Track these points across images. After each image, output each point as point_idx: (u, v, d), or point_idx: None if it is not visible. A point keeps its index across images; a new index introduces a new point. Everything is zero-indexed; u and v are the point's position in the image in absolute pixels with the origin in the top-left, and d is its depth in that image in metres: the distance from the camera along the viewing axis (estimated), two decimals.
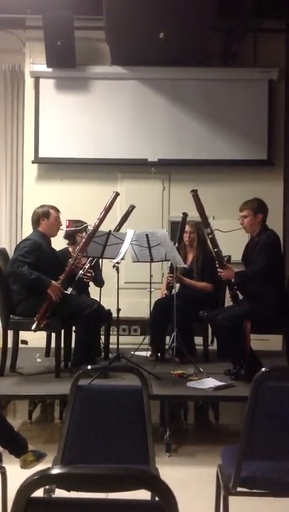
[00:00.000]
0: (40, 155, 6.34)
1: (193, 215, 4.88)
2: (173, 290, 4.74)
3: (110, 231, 4.66)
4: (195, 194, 4.45)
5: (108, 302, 4.74)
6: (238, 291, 4.44)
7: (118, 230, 5.03)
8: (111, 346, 4.88)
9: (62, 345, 4.51)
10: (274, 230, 4.57)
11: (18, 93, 6.63)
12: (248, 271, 4.39)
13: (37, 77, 6.34)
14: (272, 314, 4.23)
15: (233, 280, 4.39)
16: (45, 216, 4.57)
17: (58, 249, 4.93)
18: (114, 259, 4.50)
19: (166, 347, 4.85)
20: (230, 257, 4.79)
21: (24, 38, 6.38)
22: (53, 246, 4.73)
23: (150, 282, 4.84)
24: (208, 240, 4.51)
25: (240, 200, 4.63)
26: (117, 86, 6.34)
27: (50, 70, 6.22)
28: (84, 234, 4.68)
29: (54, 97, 6.34)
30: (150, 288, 4.84)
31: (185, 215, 4.86)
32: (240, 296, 4.47)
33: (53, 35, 5.78)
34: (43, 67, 6.22)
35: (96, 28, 6.06)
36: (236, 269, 4.44)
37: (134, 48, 5.94)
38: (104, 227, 4.60)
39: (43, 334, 4.99)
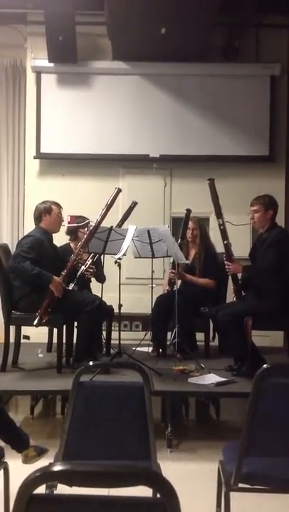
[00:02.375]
0: (42, 150, 6.33)
1: (196, 211, 4.87)
2: (175, 286, 4.73)
3: (112, 227, 4.66)
4: (211, 183, 4.40)
5: (110, 298, 4.74)
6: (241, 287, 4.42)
7: (120, 226, 5.03)
8: (112, 342, 4.89)
9: (64, 341, 4.51)
10: None
11: (20, 88, 6.62)
12: (257, 266, 4.36)
13: (38, 72, 6.32)
14: (275, 311, 4.23)
15: (240, 275, 4.37)
16: (47, 212, 4.56)
17: (59, 245, 4.92)
18: (115, 255, 4.50)
19: (168, 343, 4.86)
20: None
21: (26, 33, 6.37)
22: (54, 242, 4.73)
23: (152, 278, 4.84)
24: (219, 232, 4.44)
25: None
26: (118, 81, 6.32)
27: (51, 65, 6.20)
28: (86, 230, 4.68)
29: (56, 92, 6.32)
30: (152, 284, 4.83)
31: (188, 211, 4.83)
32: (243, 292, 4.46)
33: (54, 30, 5.77)
34: (44, 62, 6.20)
35: (98, 24, 6.04)
36: None
37: (135, 43, 5.91)
38: (106, 223, 4.60)
39: (45, 330, 5.00)
